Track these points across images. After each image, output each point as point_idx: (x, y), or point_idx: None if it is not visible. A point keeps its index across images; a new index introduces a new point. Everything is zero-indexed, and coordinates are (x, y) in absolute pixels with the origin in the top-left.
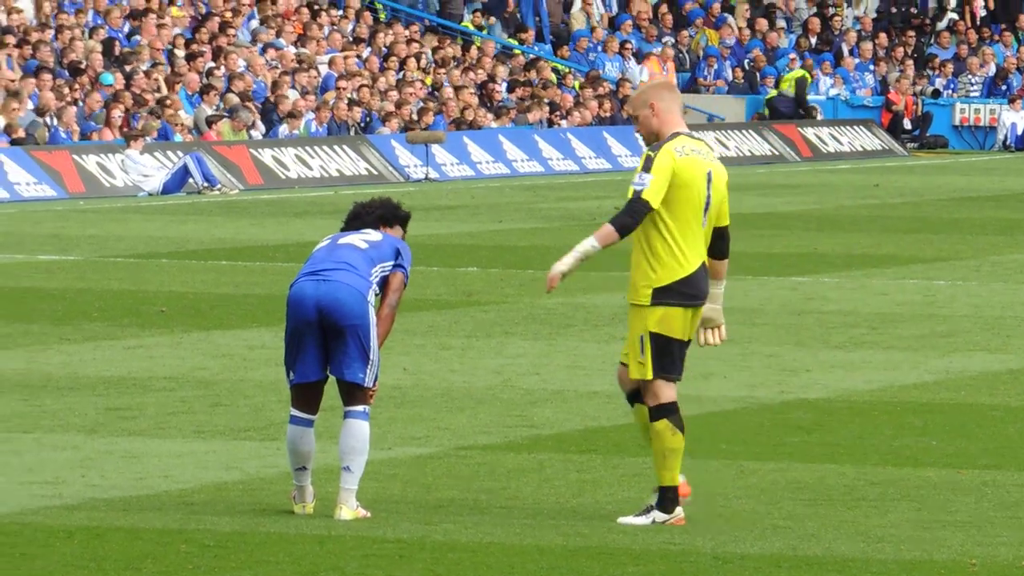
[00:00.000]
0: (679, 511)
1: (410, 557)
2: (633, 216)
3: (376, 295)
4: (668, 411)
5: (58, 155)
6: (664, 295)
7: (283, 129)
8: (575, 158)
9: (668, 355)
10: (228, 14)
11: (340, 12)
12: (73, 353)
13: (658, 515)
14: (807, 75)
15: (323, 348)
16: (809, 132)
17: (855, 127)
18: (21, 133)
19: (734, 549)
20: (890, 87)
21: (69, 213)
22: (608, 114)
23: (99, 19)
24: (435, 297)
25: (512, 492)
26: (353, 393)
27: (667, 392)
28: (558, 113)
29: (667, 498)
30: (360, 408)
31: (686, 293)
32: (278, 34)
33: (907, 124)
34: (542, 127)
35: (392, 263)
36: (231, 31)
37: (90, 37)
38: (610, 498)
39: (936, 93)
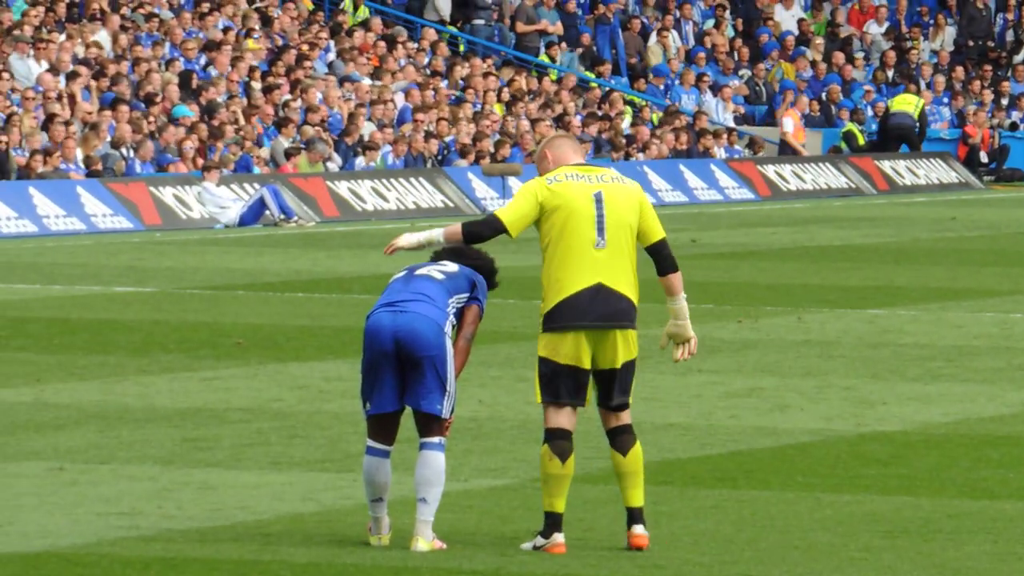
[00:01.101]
0: (557, 537)
1: None
2: (482, 226)
3: (453, 327)
4: (551, 436)
5: (134, 187)
6: (548, 320)
7: (359, 161)
8: (651, 191)
9: (554, 380)
10: (304, 47)
11: (416, 45)
12: (149, 384)
13: (538, 540)
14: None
15: (400, 379)
16: (886, 165)
17: (932, 160)
18: (98, 165)
19: None
20: (967, 120)
21: (145, 245)
22: (684, 147)
23: (175, 51)
24: (511, 329)
25: (588, 524)
26: (429, 425)
27: (554, 418)
28: (635, 146)
29: (546, 523)
30: (436, 440)
31: (568, 315)
32: (354, 67)
33: (984, 157)
34: (618, 160)
35: (468, 295)
36: (307, 63)
37: (166, 69)
38: (686, 530)
39: (1014, 126)
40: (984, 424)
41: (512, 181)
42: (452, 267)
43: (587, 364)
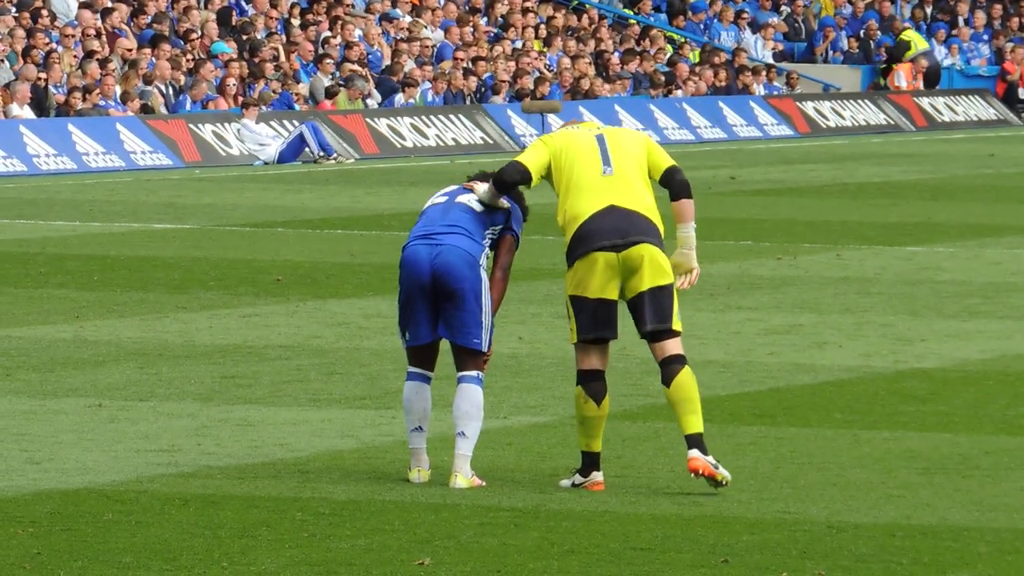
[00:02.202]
0: (595, 475)
1: (525, 526)
2: (507, 170)
3: (488, 258)
4: (584, 378)
5: (174, 124)
6: (569, 253)
7: (399, 98)
8: (690, 128)
9: (582, 316)
10: None
11: None
12: (189, 321)
13: (576, 478)
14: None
15: (436, 311)
16: (924, 102)
17: (970, 97)
18: (138, 103)
19: (848, 518)
20: (1005, 57)
21: (185, 182)
22: (723, 84)
23: None
24: (550, 266)
25: (627, 461)
26: (466, 358)
27: (584, 359)
28: (674, 83)
29: (584, 462)
30: (474, 373)
31: (587, 240)
32: (394, 4)
33: (1022, 94)
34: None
35: (503, 225)
36: (347, 1)
37: (205, 7)
38: (725, 467)
39: None
40: (1021, 361)
41: (552, 119)
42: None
43: (614, 294)
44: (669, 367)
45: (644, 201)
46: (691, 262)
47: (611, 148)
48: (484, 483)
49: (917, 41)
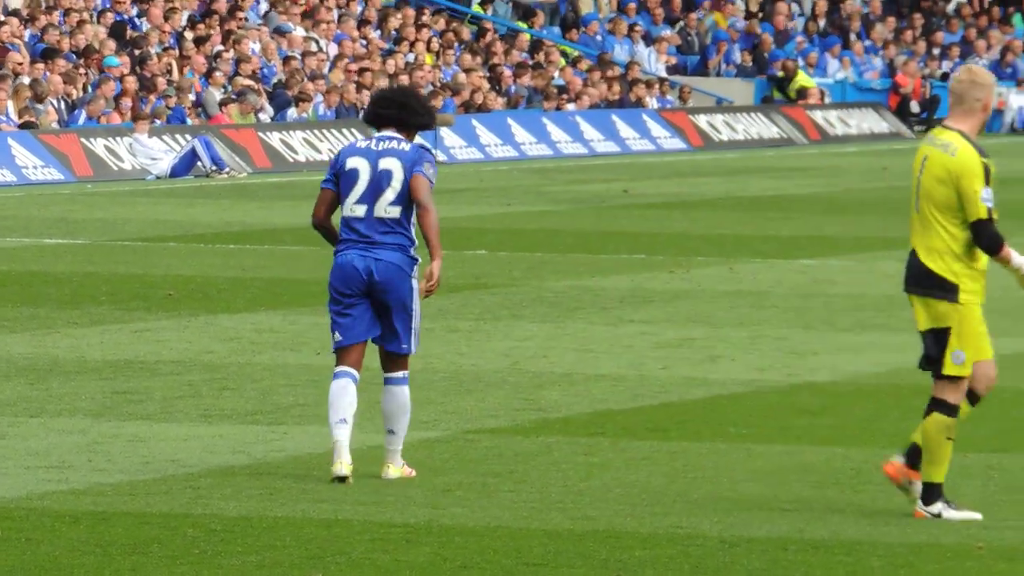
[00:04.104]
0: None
1: (417, 541)
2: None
3: (414, 244)
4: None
5: (66, 138)
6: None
7: (292, 112)
8: (583, 141)
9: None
10: None
11: None
12: (80, 337)
13: (950, 511)
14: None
15: (367, 314)
16: (817, 115)
17: (863, 110)
18: (30, 116)
19: (741, 532)
20: (898, 70)
21: (77, 196)
22: (616, 97)
23: (107, 2)
24: (443, 280)
25: (520, 476)
26: (394, 360)
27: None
28: (566, 96)
29: (935, 492)
30: (400, 374)
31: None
32: (287, 17)
33: (915, 107)
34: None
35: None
36: (240, 14)
37: (98, 21)
38: (618, 481)
39: (945, 76)
40: (914, 374)
41: (445, 132)
42: (405, 146)
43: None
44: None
45: (935, 245)
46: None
47: (923, 180)
48: (414, 472)
49: (806, 82)
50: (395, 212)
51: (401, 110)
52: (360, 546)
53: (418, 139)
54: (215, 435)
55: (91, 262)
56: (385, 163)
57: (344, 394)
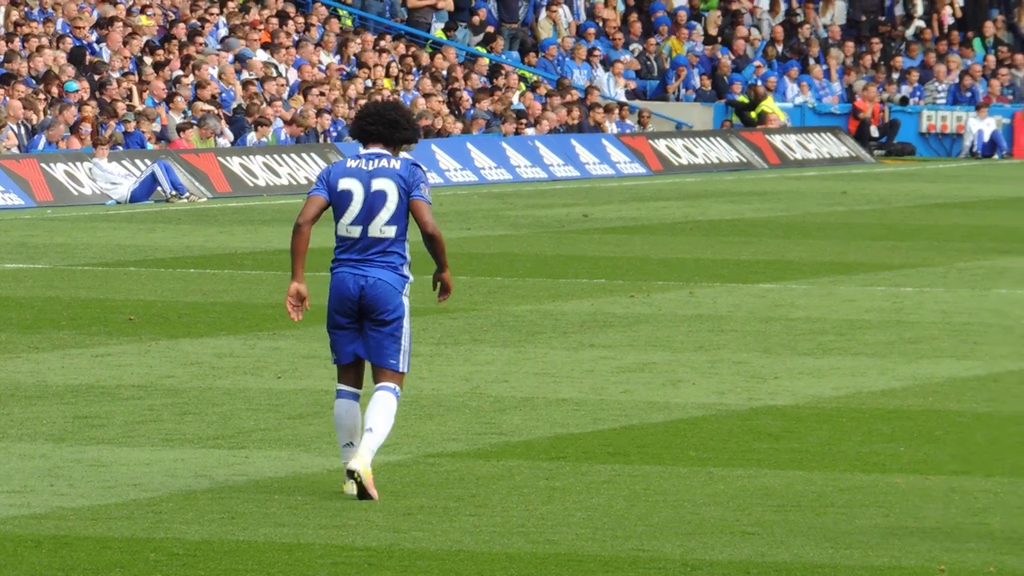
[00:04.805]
0: None
1: (379, 565)
2: None
3: (407, 262)
4: None
5: (25, 164)
6: None
7: (251, 137)
8: (543, 166)
9: None
10: (196, 22)
11: (304, 20)
12: (41, 361)
13: None
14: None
15: (360, 331)
16: (776, 139)
17: (822, 134)
18: None
19: (703, 556)
20: (857, 95)
21: (37, 221)
22: (576, 121)
23: (66, 28)
24: (411, 305)
25: (481, 500)
26: (385, 374)
27: None
28: (525, 121)
29: None
30: (391, 385)
31: None
32: (247, 43)
33: (874, 131)
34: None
35: (415, 187)
36: (199, 40)
37: (57, 47)
38: (579, 505)
39: (904, 101)
40: (875, 398)
41: (403, 155)
42: (396, 163)
43: None
44: None
45: None
46: None
47: None
48: (376, 496)
49: (772, 109)
50: (390, 232)
51: (390, 127)
52: (322, 570)
53: (404, 154)
54: (177, 459)
55: (52, 287)
56: (378, 184)
57: (347, 416)
